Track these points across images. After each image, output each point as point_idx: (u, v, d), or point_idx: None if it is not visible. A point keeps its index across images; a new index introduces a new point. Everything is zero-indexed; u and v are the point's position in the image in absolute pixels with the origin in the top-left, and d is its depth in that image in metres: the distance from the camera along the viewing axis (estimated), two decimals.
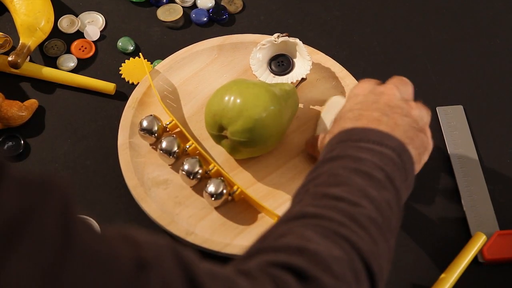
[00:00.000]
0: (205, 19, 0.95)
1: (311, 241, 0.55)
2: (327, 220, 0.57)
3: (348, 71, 0.88)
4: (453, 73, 0.92)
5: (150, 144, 0.82)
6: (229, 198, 0.78)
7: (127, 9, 0.96)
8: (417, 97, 0.89)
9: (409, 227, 0.79)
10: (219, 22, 0.95)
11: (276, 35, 0.87)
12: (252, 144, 0.77)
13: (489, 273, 0.77)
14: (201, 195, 0.79)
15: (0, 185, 0.40)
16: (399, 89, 0.72)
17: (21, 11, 0.89)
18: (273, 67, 0.87)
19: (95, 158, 0.83)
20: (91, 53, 0.91)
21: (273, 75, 0.87)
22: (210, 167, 0.79)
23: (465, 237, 0.78)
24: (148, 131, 0.81)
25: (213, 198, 0.77)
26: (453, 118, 0.87)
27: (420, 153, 0.68)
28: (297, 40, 0.86)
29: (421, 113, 0.70)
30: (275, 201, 0.79)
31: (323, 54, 0.90)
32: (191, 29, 0.95)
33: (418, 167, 0.68)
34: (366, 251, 0.56)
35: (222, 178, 0.78)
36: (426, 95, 0.90)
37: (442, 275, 0.74)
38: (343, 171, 0.62)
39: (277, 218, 0.77)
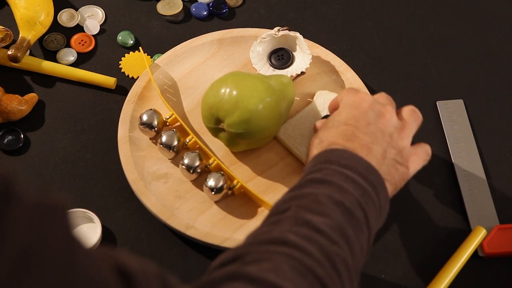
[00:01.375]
0: (205, 13, 0.95)
1: (287, 279, 0.55)
2: (306, 255, 0.58)
3: (348, 65, 0.88)
4: (453, 67, 0.92)
5: (150, 138, 0.82)
6: (229, 192, 0.78)
7: (127, 3, 0.96)
8: (418, 91, 0.90)
9: (409, 221, 0.79)
10: (219, 16, 0.95)
11: (276, 28, 0.87)
12: (249, 136, 0.77)
13: (489, 267, 0.77)
14: (201, 189, 0.79)
15: (9, 211, 0.40)
16: (395, 113, 0.72)
17: (20, 5, 0.89)
18: (273, 60, 0.87)
19: (95, 152, 0.83)
20: (91, 47, 0.91)
21: (273, 68, 0.87)
22: (210, 161, 0.79)
23: (465, 231, 0.78)
24: (148, 125, 0.81)
25: (213, 192, 0.77)
26: (454, 112, 0.87)
27: (396, 187, 0.70)
28: (298, 34, 0.86)
29: (407, 144, 0.71)
30: (275, 195, 0.79)
31: (323, 48, 0.90)
32: (191, 23, 0.95)
33: (389, 199, 0.69)
34: None
35: (222, 172, 0.78)
36: (427, 89, 0.90)
37: (442, 269, 0.74)
38: (327, 200, 0.62)
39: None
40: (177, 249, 0.77)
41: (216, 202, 0.78)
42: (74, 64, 0.90)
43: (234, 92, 0.76)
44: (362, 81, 0.87)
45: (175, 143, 0.80)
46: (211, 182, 0.77)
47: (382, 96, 0.74)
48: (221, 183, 0.77)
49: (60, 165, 0.82)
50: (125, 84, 0.88)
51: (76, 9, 0.95)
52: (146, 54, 0.90)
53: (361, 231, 0.62)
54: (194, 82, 0.87)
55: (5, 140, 0.83)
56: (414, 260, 0.77)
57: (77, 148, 0.83)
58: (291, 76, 0.85)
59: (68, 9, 0.94)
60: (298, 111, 0.84)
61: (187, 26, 0.94)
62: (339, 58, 0.89)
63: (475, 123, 0.87)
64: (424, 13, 0.97)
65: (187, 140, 0.81)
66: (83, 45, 0.91)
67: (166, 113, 0.83)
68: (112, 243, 0.77)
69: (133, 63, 0.90)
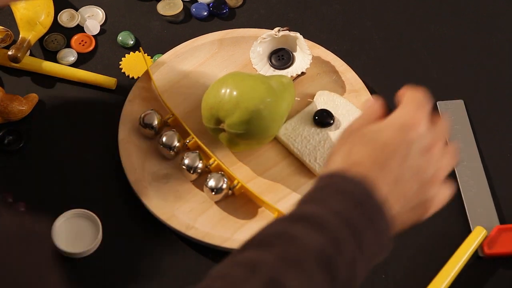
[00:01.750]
0: (206, 13, 0.95)
1: None
2: None
3: (349, 65, 0.88)
4: (453, 68, 0.92)
5: (150, 139, 0.82)
6: (230, 192, 0.78)
7: (127, 3, 0.96)
8: None
9: None
10: (219, 16, 0.95)
11: (276, 29, 0.87)
12: (249, 136, 0.77)
13: (489, 267, 0.77)
14: (201, 190, 0.79)
15: None
16: (442, 147, 0.63)
17: (21, 5, 0.89)
18: (273, 61, 0.87)
19: (96, 152, 0.83)
20: (91, 48, 0.91)
21: (274, 69, 0.87)
22: (211, 161, 0.79)
23: (465, 231, 0.78)
24: (148, 126, 0.81)
25: (213, 193, 0.77)
26: (454, 112, 0.87)
27: (404, 226, 0.62)
28: (298, 34, 0.86)
29: (437, 191, 0.63)
30: (275, 195, 0.79)
31: (324, 48, 0.90)
32: (191, 23, 0.95)
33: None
34: None
35: (222, 172, 0.78)
36: (427, 89, 0.90)
37: (442, 270, 0.74)
38: (314, 261, 0.55)
39: (278, 214, 0.77)
40: (177, 249, 0.77)
41: (217, 203, 0.78)
42: (74, 65, 0.90)
43: (235, 93, 0.76)
44: (363, 81, 0.87)
45: (176, 143, 0.80)
46: (211, 183, 0.77)
47: (439, 125, 0.65)
48: (221, 184, 0.77)
49: (61, 165, 0.82)
50: (125, 85, 0.88)
51: (76, 10, 0.94)
52: (146, 54, 0.90)
53: None
54: (194, 83, 0.87)
55: (6, 141, 0.83)
56: (414, 260, 0.77)
57: (77, 148, 0.83)
58: (291, 76, 0.85)
59: (68, 9, 0.94)
60: (298, 111, 0.84)
61: (187, 26, 0.94)
62: (339, 58, 0.89)
63: (476, 123, 0.87)
64: (424, 13, 0.97)
65: (188, 141, 0.81)
66: (83, 45, 0.91)
67: (167, 113, 0.83)
68: (112, 242, 0.77)
69: (133, 63, 0.90)
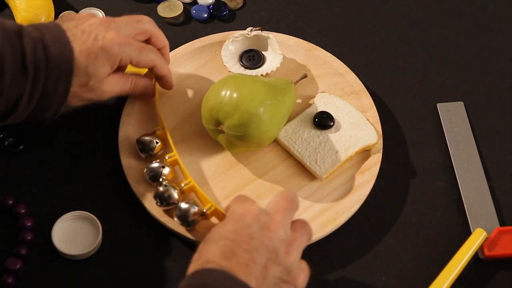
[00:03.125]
0: (206, 15, 0.95)
1: None
2: None
3: (349, 67, 0.88)
4: (453, 70, 0.92)
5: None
6: (200, 219, 0.75)
7: (127, 5, 0.96)
8: (418, 93, 0.90)
9: (410, 223, 0.79)
10: (219, 18, 0.95)
11: (249, 28, 0.87)
12: (248, 139, 0.77)
13: (489, 269, 0.77)
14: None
15: None
16: (285, 223, 0.67)
17: (21, 7, 0.89)
18: (244, 61, 0.88)
19: (96, 154, 0.83)
20: None
21: (244, 68, 0.87)
22: (185, 182, 0.77)
23: (465, 233, 0.78)
24: (145, 151, 0.80)
25: (184, 226, 0.75)
26: (454, 114, 0.87)
27: None
28: (270, 35, 0.87)
29: (295, 260, 0.66)
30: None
31: (324, 51, 0.90)
32: (192, 25, 0.95)
33: None
34: None
35: (191, 201, 0.75)
36: (427, 91, 0.90)
37: (442, 272, 0.74)
38: None
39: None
40: (178, 251, 0.77)
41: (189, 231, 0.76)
42: None
43: (235, 95, 0.76)
44: (363, 83, 0.87)
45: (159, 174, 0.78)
46: (179, 213, 0.74)
47: (277, 202, 0.69)
48: (190, 216, 0.74)
49: (61, 167, 0.82)
50: None
51: (77, 11, 0.95)
52: None
53: None
54: (194, 84, 0.87)
55: (6, 143, 0.83)
56: (414, 262, 0.77)
57: (78, 150, 0.83)
58: (296, 81, 0.85)
59: (68, 11, 0.94)
60: (298, 113, 0.84)
61: (187, 28, 0.94)
62: (339, 60, 0.89)
63: (476, 125, 0.87)
64: (424, 15, 0.97)
65: (167, 158, 0.79)
66: None
67: (166, 114, 0.83)
68: (112, 244, 0.77)
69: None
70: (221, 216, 0.74)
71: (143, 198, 0.78)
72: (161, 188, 0.76)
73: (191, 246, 0.77)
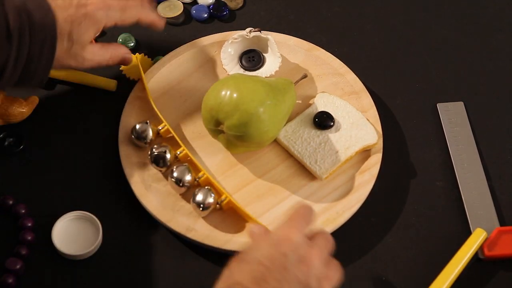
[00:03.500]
0: (206, 15, 0.95)
1: None
2: None
3: (349, 67, 0.88)
4: (453, 70, 0.92)
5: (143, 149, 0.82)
6: (218, 207, 0.77)
7: None
8: (418, 93, 0.90)
9: (410, 223, 0.79)
10: (219, 18, 0.95)
11: (248, 29, 0.87)
12: (248, 139, 0.77)
13: (489, 269, 0.77)
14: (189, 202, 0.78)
15: None
16: (322, 259, 0.65)
17: None
18: (243, 62, 0.87)
19: (96, 154, 0.83)
20: None
21: (244, 70, 0.87)
22: (200, 174, 0.78)
23: (465, 233, 0.78)
24: (140, 138, 0.80)
25: (200, 209, 0.76)
26: (454, 114, 0.87)
27: None
28: (269, 36, 0.87)
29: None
30: (275, 197, 0.79)
31: (324, 51, 0.90)
32: (192, 25, 0.95)
33: None
34: None
35: (209, 187, 0.77)
36: (427, 91, 0.90)
37: (443, 272, 0.74)
38: None
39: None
40: (177, 251, 0.77)
41: (204, 218, 0.77)
42: None
43: (235, 95, 0.76)
44: (363, 83, 0.87)
45: (167, 159, 0.79)
46: (198, 198, 0.76)
47: (317, 238, 0.67)
48: (208, 200, 0.76)
49: (61, 167, 0.82)
50: (125, 87, 0.88)
51: None
52: (146, 56, 0.90)
53: None
54: (194, 84, 0.87)
55: (6, 143, 0.83)
56: (414, 262, 0.77)
57: (78, 150, 0.83)
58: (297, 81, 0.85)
59: None
60: (298, 113, 0.84)
61: (187, 28, 0.94)
62: (339, 60, 0.89)
63: (476, 125, 0.87)
64: (424, 15, 0.97)
65: (178, 152, 0.80)
66: None
67: (166, 114, 0.83)
68: (112, 245, 0.77)
69: (133, 65, 0.90)
70: (235, 208, 0.76)
71: (143, 198, 0.78)
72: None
73: (191, 246, 0.77)
